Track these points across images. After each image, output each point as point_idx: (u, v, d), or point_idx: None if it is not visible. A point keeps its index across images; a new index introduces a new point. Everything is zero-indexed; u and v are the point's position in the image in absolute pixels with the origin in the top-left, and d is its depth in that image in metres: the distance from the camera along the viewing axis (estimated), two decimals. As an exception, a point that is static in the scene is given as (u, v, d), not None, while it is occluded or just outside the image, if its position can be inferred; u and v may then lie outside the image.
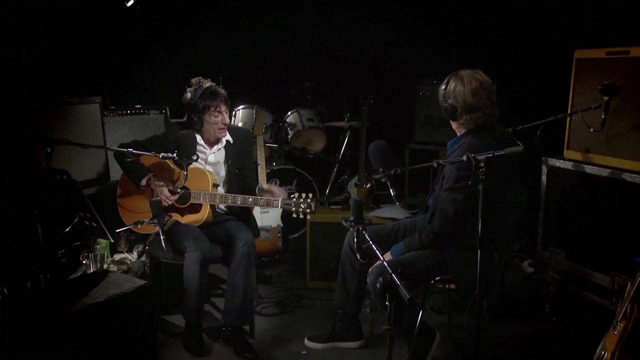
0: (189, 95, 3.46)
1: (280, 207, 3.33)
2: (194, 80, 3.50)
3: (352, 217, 2.71)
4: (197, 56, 5.71)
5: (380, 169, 2.93)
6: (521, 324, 3.65)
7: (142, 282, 2.62)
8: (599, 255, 3.49)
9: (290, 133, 5.33)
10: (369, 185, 4.98)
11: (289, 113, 5.40)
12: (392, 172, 2.88)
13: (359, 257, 2.88)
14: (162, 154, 3.22)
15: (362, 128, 4.91)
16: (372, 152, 2.96)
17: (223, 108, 3.45)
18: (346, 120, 5.34)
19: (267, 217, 4.43)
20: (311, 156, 5.40)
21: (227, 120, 3.51)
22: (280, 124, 5.34)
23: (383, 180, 2.95)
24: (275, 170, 5.02)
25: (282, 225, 4.53)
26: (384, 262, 2.40)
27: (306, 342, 3.42)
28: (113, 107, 4.51)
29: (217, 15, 5.79)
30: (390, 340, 2.44)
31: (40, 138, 2.88)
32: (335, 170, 5.31)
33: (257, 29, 5.87)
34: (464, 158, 2.43)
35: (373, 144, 2.98)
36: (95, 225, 2.76)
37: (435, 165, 2.62)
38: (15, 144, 3.46)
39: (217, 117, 3.45)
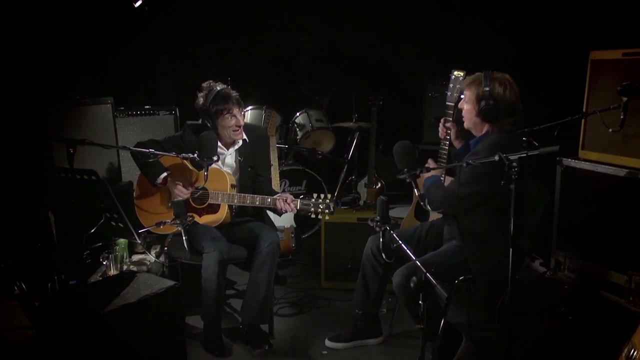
0: (200, 100, 3.45)
1: (298, 209, 3.32)
2: (204, 85, 3.48)
3: (378, 217, 2.73)
4: (203, 57, 5.70)
5: (405, 169, 2.93)
6: (537, 323, 3.66)
7: (171, 282, 2.61)
8: (615, 255, 3.53)
9: (299, 134, 5.33)
10: (379, 186, 4.99)
11: (298, 114, 5.40)
12: (418, 172, 2.89)
13: (384, 257, 2.90)
14: (183, 154, 3.23)
15: (371, 129, 4.92)
16: (397, 152, 2.96)
17: (236, 110, 3.43)
18: (354, 120, 5.35)
19: (280, 217, 4.41)
20: (320, 157, 5.40)
21: (242, 122, 3.50)
22: (290, 125, 5.34)
23: (408, 180, 2.94)
24: (285, 170, 5.02)
25: (295, 225, 4.53)
26: (417, 262, 2.41)
27: (327, 342, 3.43)
28: (123, 108, 4.51)
29: (222, 16, 5.77)
30: (422, 339, 2.46)
31: (64, 138, 2.86)
32: (344, 170, 5.31)
33: (264, 28, 5.86)
34: (496, 158, 2.44)
35: (398, 144, 2.98)
36: (122, 225, 2.74)
37: (464, 165, 2.63)
38: (32, 144, 3.45)
39: (231, 121, 3.43)
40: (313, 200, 3.29)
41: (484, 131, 2.94)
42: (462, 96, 3.03)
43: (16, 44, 3.88)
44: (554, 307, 3.78)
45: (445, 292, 2.21)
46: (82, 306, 2.43)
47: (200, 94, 3.46)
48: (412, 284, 2.38)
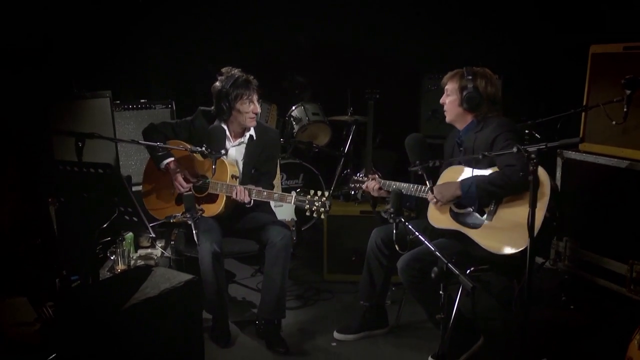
0: (219, 84, 3.45)
1: (294, 204, 3.22)
2: (224, 70, 3.49)
3: (391, 209, 2.73)
4: (197, 50, 5.64)
5: (417, 162, 2.95)
6: (540, 313, 3.70)
7: (189, 276, 2.59)
8: (615, 244, 3.60)
9: (296, 127, 5.31)
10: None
11: (294, 107, 5.38)
12: (431, 164, 2.91)
13: (398, 249, 2.91)
14: (192, 147, 3.25)
15: (368, 123, 4.92)
16: (409, 145, 2.99)
17: (255, 97, 3.45)
18: (349, 114, 5.34)
19: (281, 211, 4.42)
20: (316, 150, 5.39)
21: (258, 110, 3.51)
22: (286, 118, 5.32)
23: (420, 172, 2.97)
24: (282, 164, 5.01)
25: (295, 219, 4.54)
26: (437, 252, 2.43)
27: (335, 334, 3.44)
28: (118, 102, 4.45)
29: (217, 8, 5.72)
30: (443, 329, 2.49)
31: (73, 132, 2.82)
32: (340, 164, 5.32)
33: (258, 22, 5.81)
34: (514, 150, 2.47)
35: (410, 137, 3.01)
36: (136, 219, 2.72)
37: (480, 157, 2.66)
38: (35, 138, 3.40)
39: (250, 107, 3.44)
40: (309, 197, 3.15)
41: (468, 122, 3.07)
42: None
43: (14, 39, 3.82)
44: (555, 297, 3.84)
45: (470, 282, 2.23)
46: (103, 301, 2.40)
47: (220, 78, 3.46)
48: (433, 274, 2.39)
